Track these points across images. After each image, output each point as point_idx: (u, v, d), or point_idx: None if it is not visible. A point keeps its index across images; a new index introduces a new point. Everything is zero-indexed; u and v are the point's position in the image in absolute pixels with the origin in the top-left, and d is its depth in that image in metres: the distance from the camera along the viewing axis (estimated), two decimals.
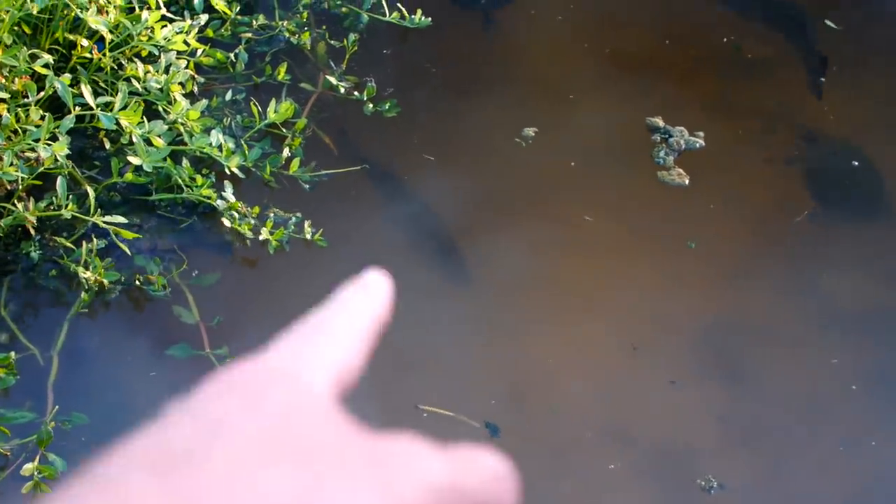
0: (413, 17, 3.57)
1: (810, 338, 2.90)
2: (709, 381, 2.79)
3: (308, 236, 3.02)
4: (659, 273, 3.02)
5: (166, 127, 2.99)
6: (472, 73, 3.57)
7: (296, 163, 3.13)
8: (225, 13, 3.43)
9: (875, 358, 2.85)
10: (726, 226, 3.12)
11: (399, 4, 3.56)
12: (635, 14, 3.71)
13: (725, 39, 3.62)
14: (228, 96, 3.28)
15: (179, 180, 2.97)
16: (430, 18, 3.56)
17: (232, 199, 2.99)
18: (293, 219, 3.07)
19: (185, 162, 2.99)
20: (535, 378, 2.80)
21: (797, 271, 3.04)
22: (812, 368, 2.83)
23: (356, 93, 3.42)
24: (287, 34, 3.49)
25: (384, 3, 3.56)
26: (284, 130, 3.24)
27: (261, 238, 2.99)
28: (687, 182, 3.14)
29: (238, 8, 3.47)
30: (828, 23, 3.63)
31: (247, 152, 3.09)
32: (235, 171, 3.06)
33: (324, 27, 3.57)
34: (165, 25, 3.19)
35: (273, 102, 3.18)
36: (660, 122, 3.30)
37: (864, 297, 2.98)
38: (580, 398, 2.76)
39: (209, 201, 2.97)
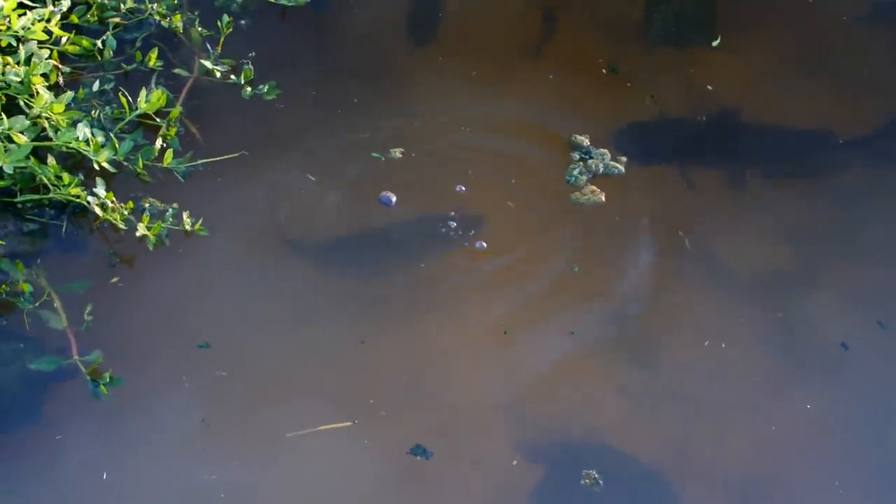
0: None
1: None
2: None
3: (188, 227, 2.92)
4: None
5: (29, 122, 2.84)
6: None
7: (169, 154, 3.01)
8: None
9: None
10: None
11: None
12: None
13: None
14: (96, 86, 3.13)
15: (45, 179, 2.83)
16: None
17: (103, 194, 2.86)
18: (170, 210, 2.96)
19: (50, 159, 2.85)
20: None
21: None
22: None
23: (233, 76, 3.30)
24: (158, 17, 3.34)
25: None
26: (158, 120, 3.11)
27: (138, 234, 2.87)
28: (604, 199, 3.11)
29: None
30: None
31: (117, 146, 2.96)
32: (106, 165, 2.93)
33: (196, 12, 3.43)
34: (24, 13, 3.03)
35: (143, 91, 3.05)
36: (585, 141, 3.22)
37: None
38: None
39: (79, 200, 2.84)
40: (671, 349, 2.83)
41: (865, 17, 3.60)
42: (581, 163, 3.16)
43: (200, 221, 2.92)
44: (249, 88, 3.28)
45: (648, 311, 2.89)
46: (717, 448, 2.68)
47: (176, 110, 3.13)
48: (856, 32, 3.56)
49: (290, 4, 3.47)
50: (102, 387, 2.63)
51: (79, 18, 3.25)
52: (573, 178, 3.12)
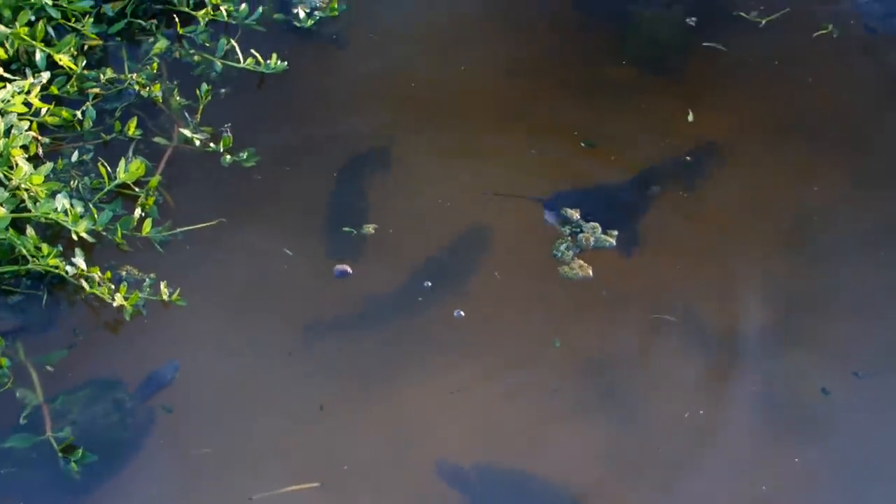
0: (268, 62, 3.52)
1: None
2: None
3: (165, 297, 2.93)
4: None
5: (7, 194, 2.87)
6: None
7: (148, 223, 3.03)
8: (70, 69, 3.32)
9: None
10: None
11: (253, 50, 3.51)
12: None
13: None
14: (75, 157, 3.17)
15: (24, 251, 2.85)
16: (286, 63, 3.53)
17: (83, 265, 2.88)
18: (148, 280, 2.98)
19: (29, 230, 2.87)
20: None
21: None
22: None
23: (213, 144, 3.34)
24: (137, 87, 3.39)
25: (237, 49, 3.51)
26: (137, 189, 3.14)
27: (115, 304, 2.89)
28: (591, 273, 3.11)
29: (84, 62, 3.36)
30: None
31: (96, 216, 2.98)
32: (85, 235, 2.96)
33: (176, 81, 3.48)
34: (3, 86, 3.07)
35: (122, 162, 3.09)
36: (575, 215, 3.22)
37: None
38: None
39: (57, 271, 2.86)
40: (653, 414, 2.84)
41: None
42: (570, 237, 3.17)
43: (178, 292, 2.93)
44: (229, 156, 3.31)
45: (630, 376, 2.91)
46: None
47: (155, 179, 3.17)
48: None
49: (269, 72, 3.52)
50: (73, 464, 2.62)
51: (58, 89, 3.30)
52: (559, 254, 3.13)
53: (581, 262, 3.12)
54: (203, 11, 3.58)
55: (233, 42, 3.53)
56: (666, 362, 2.94)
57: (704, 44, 3.72)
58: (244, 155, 3.32)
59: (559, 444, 2.79)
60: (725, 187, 3.33)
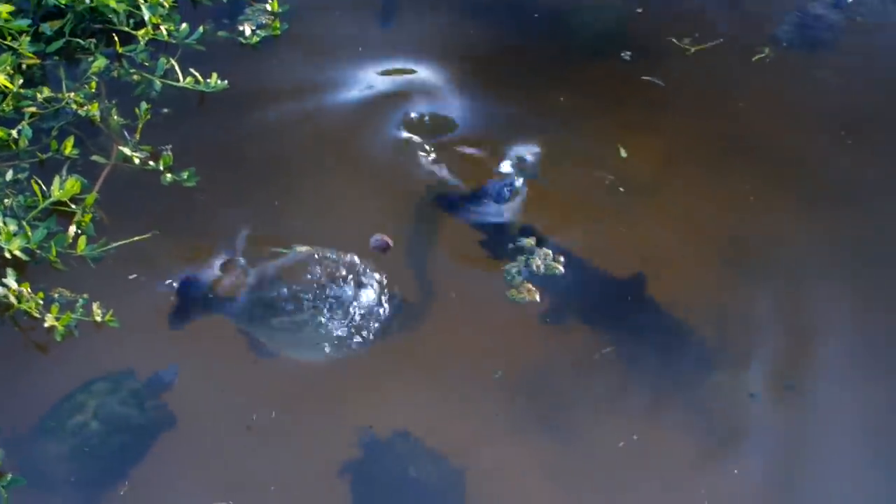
0: (208, 80, 3.51)
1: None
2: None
3: (98, 318, 2.90)
4: None
5: None
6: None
7: (83, 241, 3.01)
8: (6, 87, 3.29)
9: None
10: None
11: (192, 69, 3.51)
12: None
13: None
14: (10, 176, 3.14)
15: None
16: (226, 81, 3.52)
17: (14, 285, 2.85)
18: (80, 301, 2.95)
19: None
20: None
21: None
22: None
23: (152, 162, 3.32)
24: (75, 106, 3.36)
25: (177, 68, 3.50)
26: (73, 207, 3.12)
27: (46, 324, 2.85)
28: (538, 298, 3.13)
29: (21, 81, 3.34)
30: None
31: (30, 234, 2.95)
32: (19, 254, 2.93)
33: (115, 100, 3.46)
34: None
35: (57, 179, 3.06)
36: (531, 242, 3.25)
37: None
38: None
39: None
40: (593, 438, 2.86)
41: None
42: (523, 263, 3.20)
43: (111, 313, 2.91)
44: (169, 175, 3.30)
45: (570, 404, 2.93)
46: None
47: (91, 196, 3.14)
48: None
49: (208, 91, 3.51)
50: (1, 488, 2.58)
51: None
52: (510, 277, 3.16)
53: (529, 286, 3.15)
54: (143, 31, 3.57)
55: (172, 61, 3.52)
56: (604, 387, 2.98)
57: (643, 77, 3.76)
58: (185, 174, 3.30)
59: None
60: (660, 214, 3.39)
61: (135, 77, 3.54)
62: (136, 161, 3.31)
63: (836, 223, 3.36)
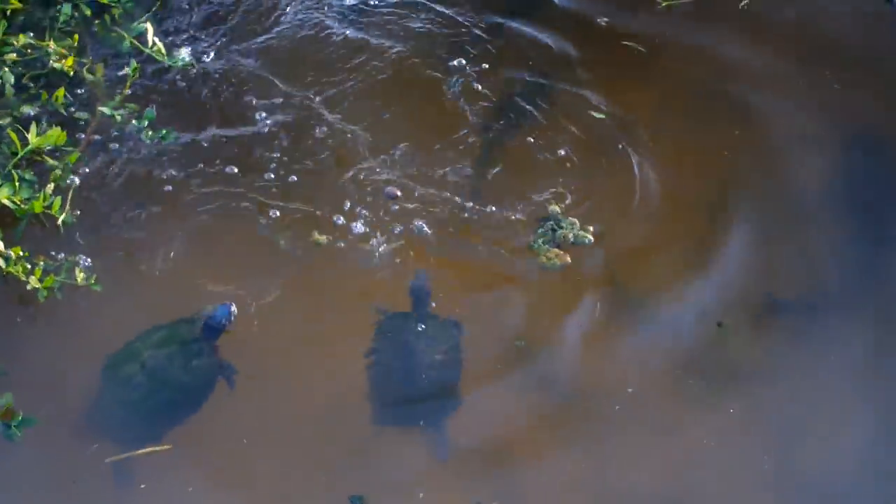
0: (176, 54, 3.42)
1: None
2: None
3: (80, 281, 2.89)
4: None
5: None
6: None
7: (58, 202, 2.96)
8: None
9: None
10: None
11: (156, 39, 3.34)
12: None
13: None
14: None
15: None
16: (191, 59, 3.47)
17: (0, 245, 2.82)
18: (65, 264, 2.93)
19: None
20: None
21: None
22: None
23: (135, 121, 3.28)
24: (54, 57, 3.27)
25: (151, 35, 3.31)
26: (55, 162, 3.08)
27: (29, 287, 2.84)
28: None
29: (5, 26, 3.23)
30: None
31: (17, 184, 2.90)
32: (7, 202, 2.88)
33: (101, 57, 3.41)
34: None
35: (34, 126, 2.99)
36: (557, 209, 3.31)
37: None
38: None
39: None
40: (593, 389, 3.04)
41: None
42: (551, 231, 3.28)
43: (95, 277, 2.90)
44: (151, 131, 3.26)
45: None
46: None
47: (74, 155, 3.10)
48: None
49: (174, 64, 3.41)
50: (15, 428, 2.62)
51: None
52: (536, 245, 3.25)
53: (557, 250, 3.25)
54: None
55: (149, 25, 3.40)
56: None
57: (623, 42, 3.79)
58: (163, 132, 3.27)
59: None
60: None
61: (112, 35, 3.45)
62: (118, 119, 3.25)
63: None
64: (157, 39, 3.32)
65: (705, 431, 2.98)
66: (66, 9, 3.38)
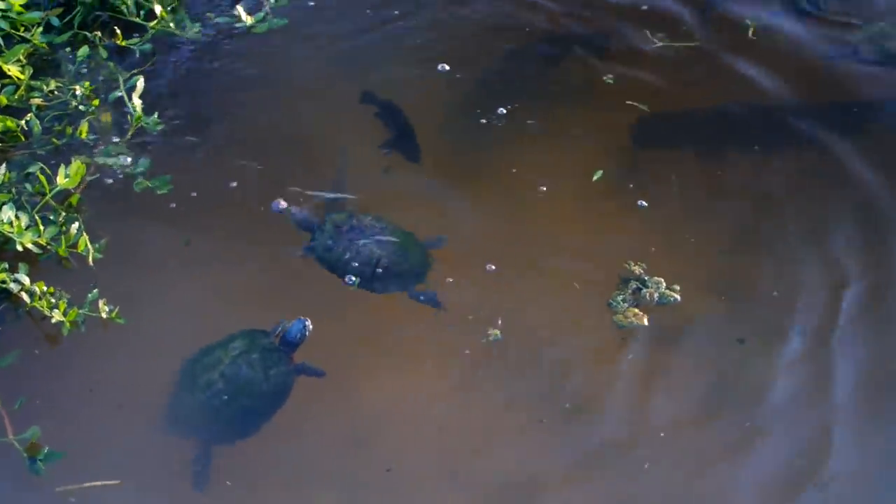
0: (147, 118, 3.50)
1: None
2: None
3: (104, 314, 3.11)
4: None
5: None
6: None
7: (83, 240, 3.17)
8: (18, 78, 3.43)
9: None
10: None
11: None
12: None
13: None
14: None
15: None
16: (162, 124, 3.55)
17: (26, 280, 3.05)
18: (88, 296, 3.15)
19: None
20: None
21: None
22: None
23: (128, 169, 3.45)
24: (76, 101, 3.51)
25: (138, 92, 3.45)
26: (58, 206, 3.28)
27: (53, 320, 3.06)
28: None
29: (31, 72, 3.47)
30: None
31: (41, 228, 3.13)
32: (31, 247, 3.11)
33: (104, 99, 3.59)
34: None
35: (62, 168, 3.19)
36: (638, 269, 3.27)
37: None
38: None
39: (3, 286, 3.02)
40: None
41: None
42: (631, 293, 3.23)
43: (117, 310, 3.12)
44: (144, 181, 3.40)
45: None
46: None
47: (75, 197, 3.32)
48: None
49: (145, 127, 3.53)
50: (40, 462, 2.82)
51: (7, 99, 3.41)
52: (615, 304, 3.22)
53: (636, 310, 3.21)
54: (154, 22, 3.73)
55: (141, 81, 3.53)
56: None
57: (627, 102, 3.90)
58: (157, 182, 3.40)
59: None
60: None
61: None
62: (114, 166, 3.43)
63: None
64: (137, 100, 3.46)
65: None
66: (84, 50, 3.61)
